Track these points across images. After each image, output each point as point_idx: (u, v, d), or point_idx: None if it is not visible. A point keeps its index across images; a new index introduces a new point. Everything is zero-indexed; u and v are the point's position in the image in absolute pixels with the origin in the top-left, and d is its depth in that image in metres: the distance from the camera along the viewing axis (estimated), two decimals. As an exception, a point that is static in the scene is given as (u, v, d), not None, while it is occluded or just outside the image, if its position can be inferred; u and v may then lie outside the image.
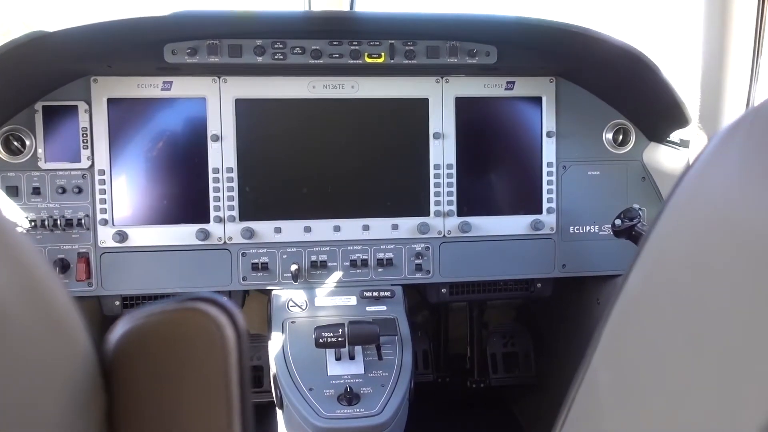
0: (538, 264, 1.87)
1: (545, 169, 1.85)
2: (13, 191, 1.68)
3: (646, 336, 0.54)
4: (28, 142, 1.67)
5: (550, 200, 1.86)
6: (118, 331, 0.46)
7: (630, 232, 1.66)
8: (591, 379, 0.60)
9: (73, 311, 0.41)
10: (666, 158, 1.81)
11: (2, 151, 1.66)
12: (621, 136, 1.89)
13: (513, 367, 2.39)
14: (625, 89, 1.79)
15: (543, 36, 1.67)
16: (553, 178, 1.85)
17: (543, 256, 1.87)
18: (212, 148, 1.72)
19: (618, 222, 1.69)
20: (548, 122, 1.84)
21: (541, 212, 1.86)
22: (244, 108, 1.73)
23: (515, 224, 1.85)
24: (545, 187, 1.85)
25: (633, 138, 1.88)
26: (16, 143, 1.68)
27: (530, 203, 1.86)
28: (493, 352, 2.39)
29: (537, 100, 1.84)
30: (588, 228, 1.89)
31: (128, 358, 0.45)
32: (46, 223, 1.67)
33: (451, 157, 1.81)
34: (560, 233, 1.87)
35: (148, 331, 0.45)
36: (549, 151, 1.85)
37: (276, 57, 1.64)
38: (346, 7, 1.71)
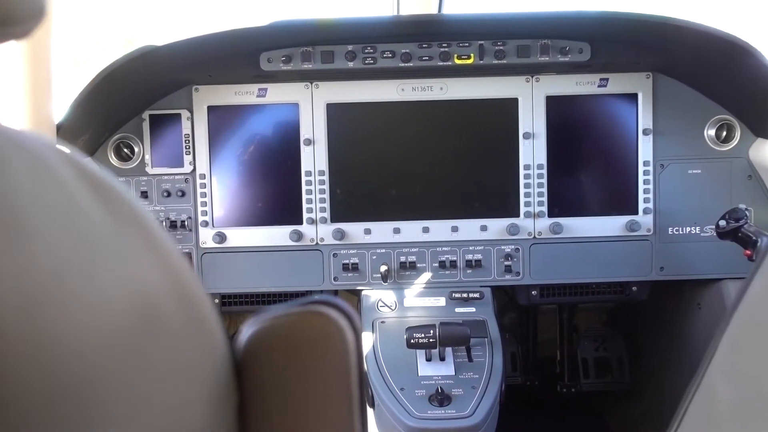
0: (634, 266, 1.81)
1: (641, 168, 1.79)
2: None
3: None
4: (136, 149, 1.79)
5: (646, 200, 1.79)
6: (247, 331, 0.49)
7: (736, 233, 1.57)
8: (707, 392, 0.57)
9: (213, 311, 0.44)
10: (775, 155, 1.70)
11: (114, 157, 1.79)
12: (724, 133, 1.79)
13: (605, 373, 2.32)
14: (729, 83, 1.70)
15: (639, 31, 1.61)
16: (650, 177, 1.78)
17: (639, 259, 1.80)
18: (305, 152, 1.77)
19: (722, 223, 1.60)
20: (645, 119, 1.78)
21: (637, 213, 1.79)
22: (336, 112, 1.77)
23: (609, 225, 1.80)
24: (641, 186, 1.79)
25: (738, 134, 1.78)
26: (126, 150, 1.80)
27: (625, 204, 1.80)
28: (584, 356, 2.33)
29: (632, 97, 1.78)
30: (688, 229, 1.80)
31: (257, 357, 0.48)
32: None
33: (541, 158, 1.78)
34: (658, 235, 1.80)
35: (274, 332, 0.48)
36: (645, 149, 1.78)
37: (366, 61, 1.67)
38: (434, 9, 1.71)
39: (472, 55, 1.67)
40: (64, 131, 1.60)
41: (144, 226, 0.40)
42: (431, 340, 1.50)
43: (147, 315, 0.36)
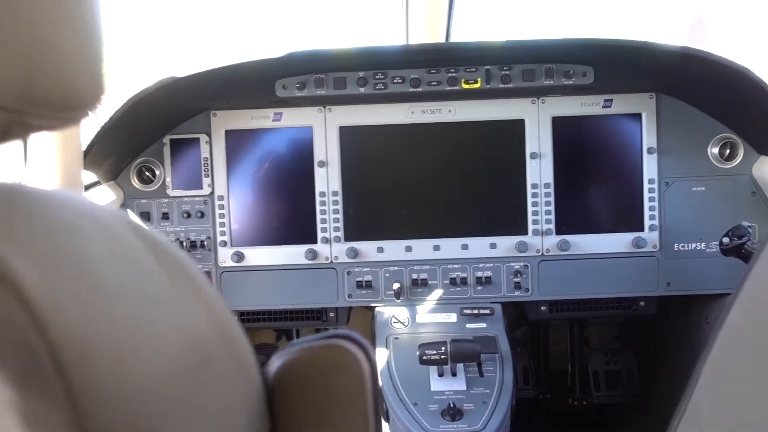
0: (641, 282, 1.85)
1: (646, 186, 1.83)
2: (145, 216, 1.87)
3: (756, 369, 0.55)
4: (157, 172, 1.86)
5: (652, 217, 1.83)
6: (275, 362, 0.55)
7: (739, 250, 1.61)
8: (693, 413, 0.62)
9: (248, 347, 0.50)
10: (778, 172, 1.74)
11: (136, 180, 1.86)
12: (728, 150, 1.83)
13: (616, 385, 2.35)
14: (731, 103, 1.74)
15: (642, 57, 1.66)
16: (655, 195, 1.83)
17: (646, 274, 1.84)
18: (318, 173, 1.84)
19: (726, 240, 1.64)
20: (649, 138, 1.82)
21: (642, 230, 1.84)
22: (348, 134, 1.83)
23: (616, 242, 1.84)
24: (647, 204, 1.83)
25: (741, 152, 1.82)
26: (147, 173, 1.87)
27: (631, 221, 1.84)
28: (595, 369, 2.36)
29: (636, 117, 1.83)
30: (694, 245, 1.84)
31: (285, 386, 0.54)
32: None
33: (548, 176, 1.83)
34: (664, 251, 1.84)
35: (300, 363, 0.54)
36: (650, 167, 1.83)
37: (377, 87, 1.74)
38: (442, 36, 1.78)
39: (479, 79, 1.73)
40: (90, 157, 1.67)
41: (191, 278, 0.46)
42: (443, 356, 1.55)
43: (198, 355, 0.43)
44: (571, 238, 1.83)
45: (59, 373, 0.32)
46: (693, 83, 1.74)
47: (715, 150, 1.83)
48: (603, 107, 1.82)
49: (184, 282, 0.45)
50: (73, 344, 0.33)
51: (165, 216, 1.87)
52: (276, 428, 0.53)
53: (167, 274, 0.43)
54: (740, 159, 1.82)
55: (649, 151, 1.82)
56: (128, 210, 1.87)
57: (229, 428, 0.45)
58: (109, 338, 0.35)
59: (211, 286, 0.48)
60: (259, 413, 0.51)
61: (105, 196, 1.82)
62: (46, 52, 0.38)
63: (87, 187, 1.78)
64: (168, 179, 1.86)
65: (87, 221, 0.40)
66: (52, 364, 0.32)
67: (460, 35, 2.09)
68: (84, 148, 1.65)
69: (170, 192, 1.86)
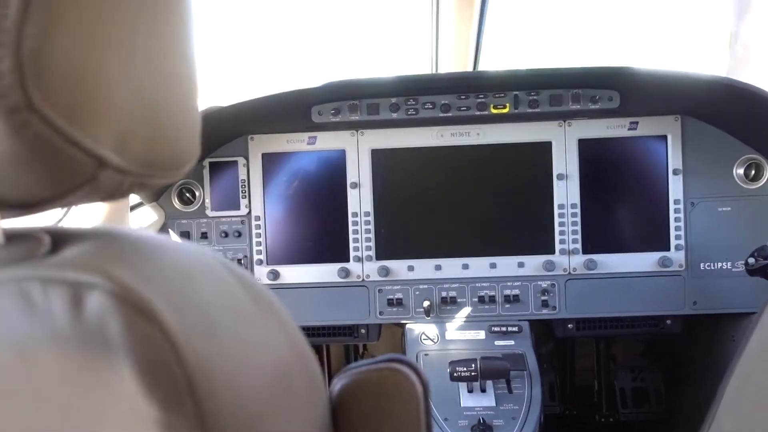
0: (667, 301, 1.88)
1: (672, 207, 1.87)
2: (185, 236, 1.96)
3: None
4: (197, 194, 1.95)
5: (678, 237, 1.86)
6: (338, 383, 0.62)
7: (765, 270, 1.64)
8: (716, 431, 0.66)
9: (317, 366, 0.57)
10: (804, 193, 1.76)
11: (177, 201, 1.95)
12: (753, 171, 1.86)
13: (643, 403, 2.37)
14: (757, 126, 1.78)
15: (669, 85, 1.70)
16: (681, 215, 1.86)
17: (672, 294, 1.88)
18: (351, 195, 1.91)
19: (751, 260, 1.66)
20: (674, 160, 1.86)
21: (668, 249, 1.87)
22: (380, 157, 1.90)
23: (642, 261, 1.88)
24: (672, 224, 1.87)
25: (767, 173, 1.85)
26: (187, 195, 1.96)
27: (657, 240, 1.88)
28: (621, 386, 2.39)
29: (662, 138, 1.87)
30: (720, 265, 1.87)
31: (346, 406, 0.60)
32: None
33: (575, 197, 1.87)
34: (690, 270, 1.87)
35: (360, 384, 0.61)
36: (676, 188, 1.86)
37: (409, 113, 1.81)
38: (470, 65, 1.84)
39: (507, 104, 1.79)
40: (136, 181, 1.76)
41: (276, 312, 0.53)
42: (473, 373, 1.60)
43: (284, 378, 0.49)
44: (597, 257, 1.88)
45: (192, 395, 0.39)
46: (720, 108, 1.78)
47: (741, 171, 1.86)
48: (628, 129, 1.86)
49: (270, 313, 0.52)
50: (201, 372, 0.40)
51: (204, 235, 1.95)
52: None
53: (257, 307, 0.50)
54: (765, 179, 1.85)
55: (675, 172, 1.86)
56: (170, 230, 1.95)
57: None
58: (224, 365, 0.42)
59: (291, 317, 0.54)
60: (327, 430, 0.57)
61: (148, 216, 1.92)
62: (163, 122, 0.46)
63: (132, 208, 1.87)
64: (207, 200, 1.94)
65: (196, 264, 0.47)
66: (187, 388, 0.39)
67: (487, 61, 2.16)
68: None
69: (209, 212, 1.94)
